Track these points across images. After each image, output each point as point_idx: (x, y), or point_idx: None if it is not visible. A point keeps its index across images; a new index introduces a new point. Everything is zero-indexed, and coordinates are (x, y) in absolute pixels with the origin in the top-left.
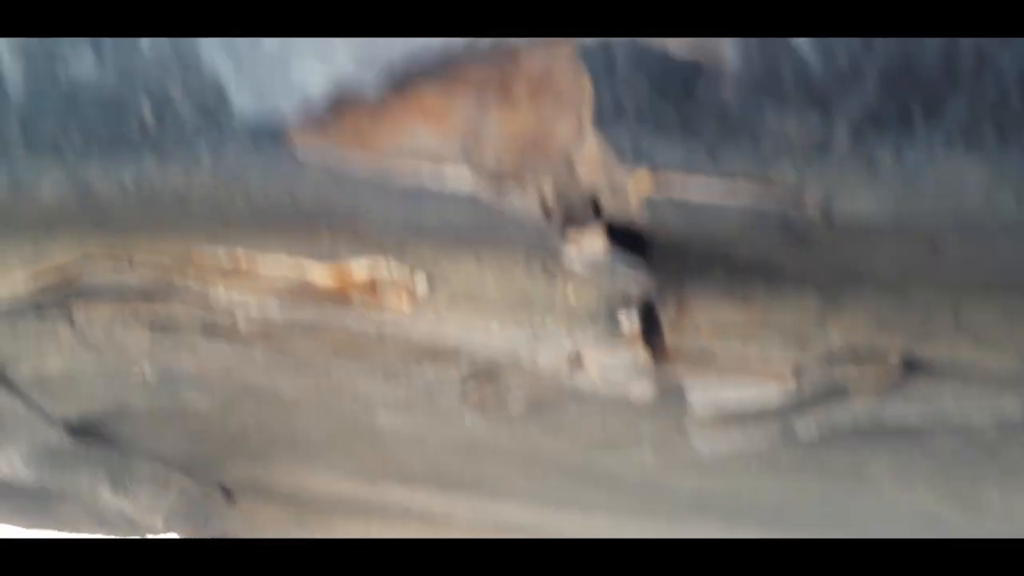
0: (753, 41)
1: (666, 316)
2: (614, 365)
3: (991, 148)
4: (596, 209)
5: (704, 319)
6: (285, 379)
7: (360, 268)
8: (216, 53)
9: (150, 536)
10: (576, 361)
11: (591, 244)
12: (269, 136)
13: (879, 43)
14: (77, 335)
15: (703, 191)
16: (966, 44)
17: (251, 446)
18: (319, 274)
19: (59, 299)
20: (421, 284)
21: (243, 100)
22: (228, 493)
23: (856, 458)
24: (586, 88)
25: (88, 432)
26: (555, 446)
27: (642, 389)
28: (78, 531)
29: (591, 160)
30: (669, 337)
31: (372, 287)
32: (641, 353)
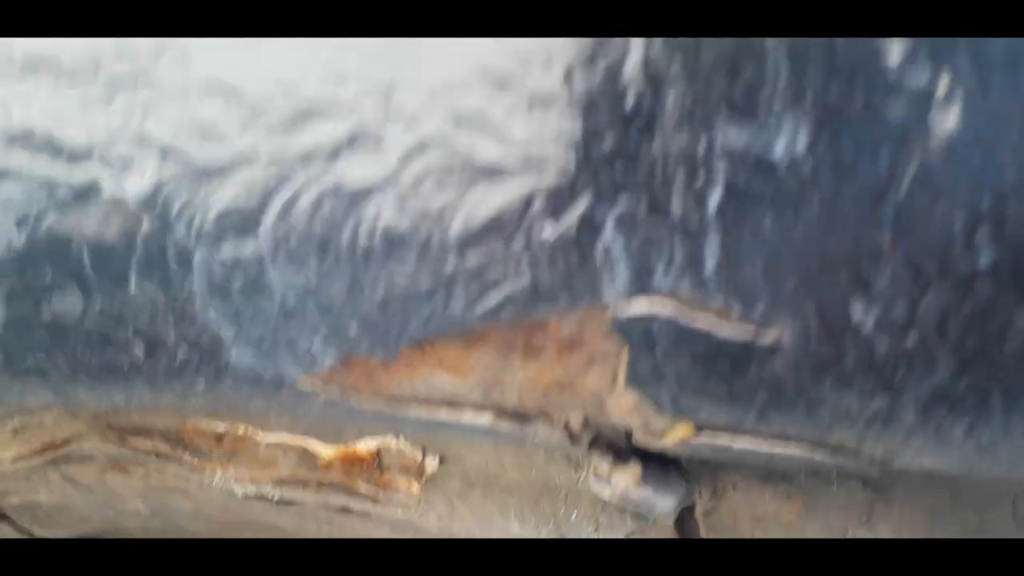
0: (812, 324)
1: (701, 506)
2: None
3: None
4: (627, 436)
5: (743, 510)
6: (285, 519)
7: (366, 448)
8: (213, 307)
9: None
10: None
11: (623, 481)
12: (270, 382)
13: (953, 328)
14: (67, 480)
15: (750, 448)
16: None
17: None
18: (323, 453)
19: (48, 461)
20: (432, 465)
21: (243, 355)
22: None
23: None
24: (622, 352)
25: None
26: None
27: None
28: None
29: (625, 408)
30: (705, 528)
31: (378, 469)
32: None
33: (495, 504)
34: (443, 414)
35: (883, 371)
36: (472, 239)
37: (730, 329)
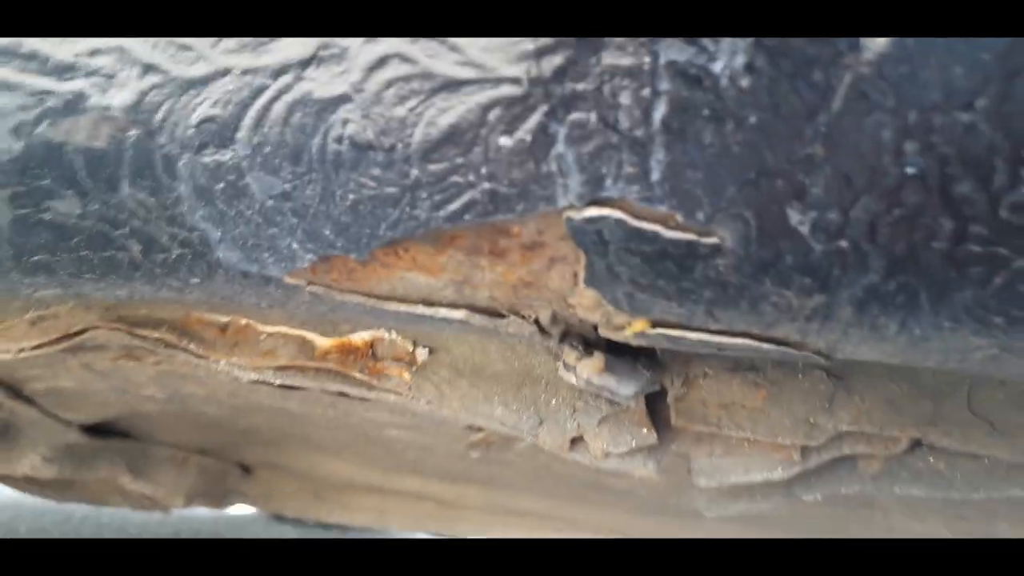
0: (752, 226)
1: (673, 392)
2: (617, 445)
3: (999, 330)
4: (595, 329)
5: (712, 397)
6: (292, 403)
7: (361, 340)
8: (200, 211)
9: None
10: (579, 440)
11: (586, 370)
12: (259, 276)
13: (882, 232)
14: (85, 367)
15: (702, 339)
16: (974, 235)
17: (264, 439)
18: (319, 343)
19: (66, 350)
20: (422, 356)
21: (230, 254)
22: (246, 470)
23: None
24: (579, 255)
25: (103, 430)
26: (563, 468)
27: (646, 468)
28: (106, 505)
29: (587, 305)
30: (675, 413)
31: (373, 358)
32: (645, 434)
33: (480, 391)
34: (420, 310)
35: (819, 271)
36: (433, 148)
37: (675, 233)
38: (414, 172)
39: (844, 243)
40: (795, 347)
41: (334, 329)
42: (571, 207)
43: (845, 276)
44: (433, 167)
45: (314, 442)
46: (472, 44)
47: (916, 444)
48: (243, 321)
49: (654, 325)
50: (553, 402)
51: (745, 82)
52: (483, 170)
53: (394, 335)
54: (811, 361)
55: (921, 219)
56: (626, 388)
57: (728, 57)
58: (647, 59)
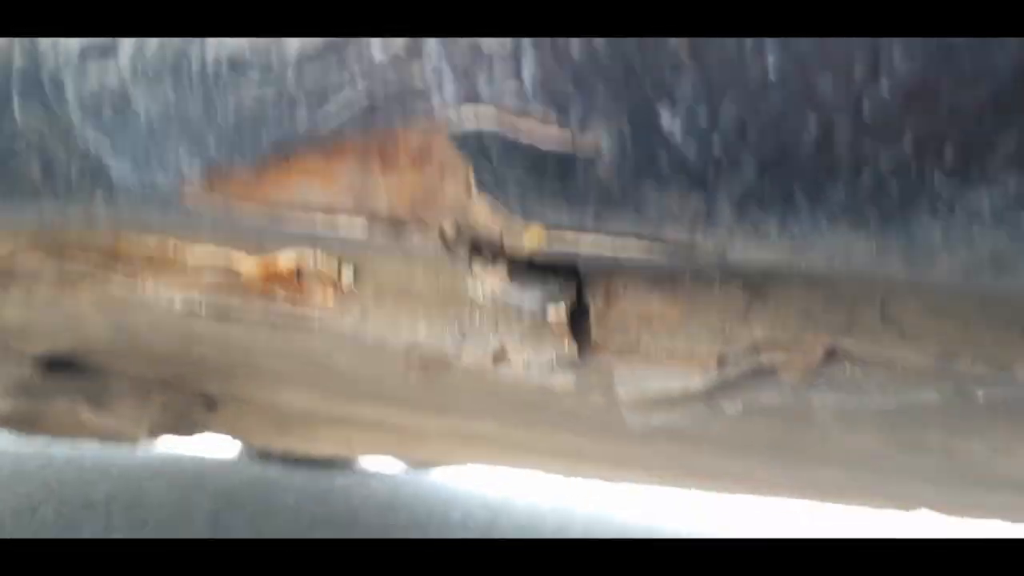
0: (625, 131)
1: (594, 307)
2: (539, 360)
3: (874, 227)
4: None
5: (632, 310)
6: (234, 331)
7: (287, 260)
8: (89, 127)
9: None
10: (501, 356)
11: (489, 282)
12: (156, 197)
13: (752, 133)
14: (25, 297)
15: (596, 245)
16: (841, 133)
17: (220, 370)
18: (246, 265)
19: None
20: (348, 276)
21: (123, 169)
22: (210, 402)
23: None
24: (468, 162)
25: (59, 364)
26: (509, 390)
27: (566, 381)
28: (70, 437)
29: (484, 215)
30: (596, 328)
31: (298, 279)
32: (566, 347)
33: (405, 310)
34: (320, 219)
35: (695, 173)
36: (309, 58)
37: (550, 137)
38: (291, 82)
39: (716, 145)
40: (686, 250)
41: (259, 248)
42: (450, 116)
43: (720, 178)
44: (310, 78)
45: (269, 372)
46: None
47: (832, 353)
48: (171, 242)
49: (549, 231)
50: (477, 319)
51: None
52: (359, 80)
53: (319, 255)
54: (706, 264)
55: (787, 120)
56: (532, 299)
57: None
58: None
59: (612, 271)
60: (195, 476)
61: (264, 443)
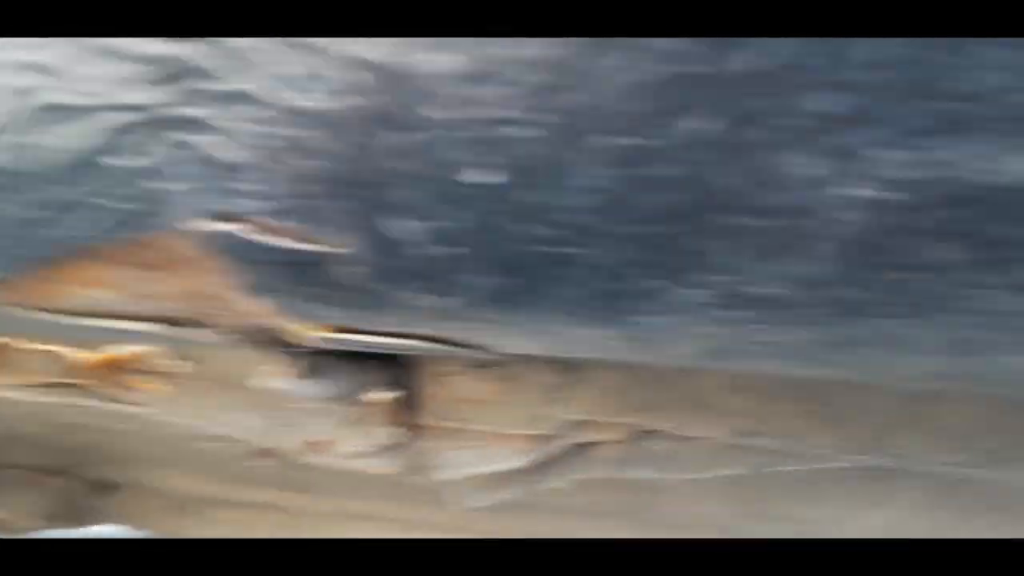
0: (366, 233)
1: (423, 390)
2: (362, 445)
3: (605, 324)
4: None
5: (458, 392)
6: (88, 419)
7: (116, 353)
8: None
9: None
10: (322, 444)
11: (279, 377)
12: None
13: (467, 238)
14: None
15: (377, 342)
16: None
17: (112, 456)
18: (75, 358)
19: None
20: (179, 367)
21: None
22: (108, 488)
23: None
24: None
25: None
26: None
27: (387, 466)
28: None
29: (263, 313)
30: (424, 410)
31: (130, 372)
32: (392, 432)
33: (229, 400)
34: (107, 324)
35: (434, 275)
36: (61, 174)
37: (304, 243)
38: (50, 195)
39: (444, 248)
40: (462, 345)
41: (85, 343)
42: (202, 225)
43: (459, 278)
44: (64, 192)
45: (155, 458)
46: (76, 69)
47: (647, 430)
48: (3, 339)
49: (331, 330)
50: (296, 407)
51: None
52: (105, 192)
53: (152, 347)
54: (481, 357)
55: (494, 222)
56: (326, 390)
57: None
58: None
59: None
60: None
61: (164, 529)
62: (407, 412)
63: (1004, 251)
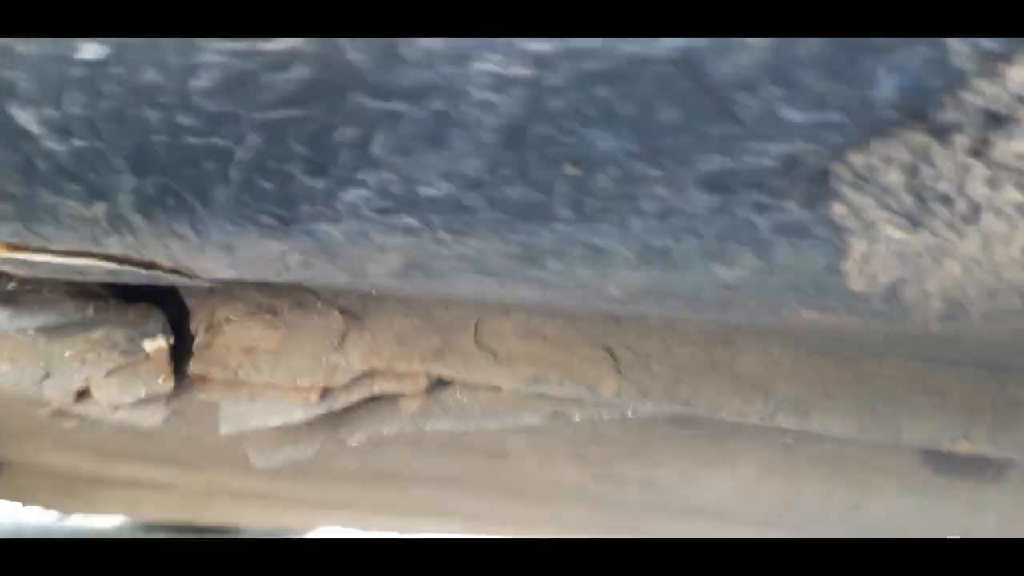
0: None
1: (197, 339)
2: (125, 396)
3: (272, 229)
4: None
5: (235, 342)
6: None
7: None
8: None
9: None
10: (85, 394)
11: None
12: None
13: (101, 126)
14: None
15: (50, 262)
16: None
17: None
18: None
19: None
20: None
21: None
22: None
23: (492, 436)
24: None
25: None
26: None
27: (154, 417)
28: None
29: None
30: (195, 360)
31: None
32: (160, 383)
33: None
34: None
35: (77, 175)
36: None
37: None
38: None
39: (79, 142)
40: (146, 267)
41: None
42: None
43: (103, 179)
44: None
45: (36, 434)
46: None
47: (442, 381)
48: None
49: (10, 248)
50: (66, 354)
51: None
52: None
53: None
54: (186, 283)
55: (129, 111)
56: (19, 322)
57: None
58: None
59: (215, 301)
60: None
61: (53, 507)
62: (178, 362)
63: (660, 138)
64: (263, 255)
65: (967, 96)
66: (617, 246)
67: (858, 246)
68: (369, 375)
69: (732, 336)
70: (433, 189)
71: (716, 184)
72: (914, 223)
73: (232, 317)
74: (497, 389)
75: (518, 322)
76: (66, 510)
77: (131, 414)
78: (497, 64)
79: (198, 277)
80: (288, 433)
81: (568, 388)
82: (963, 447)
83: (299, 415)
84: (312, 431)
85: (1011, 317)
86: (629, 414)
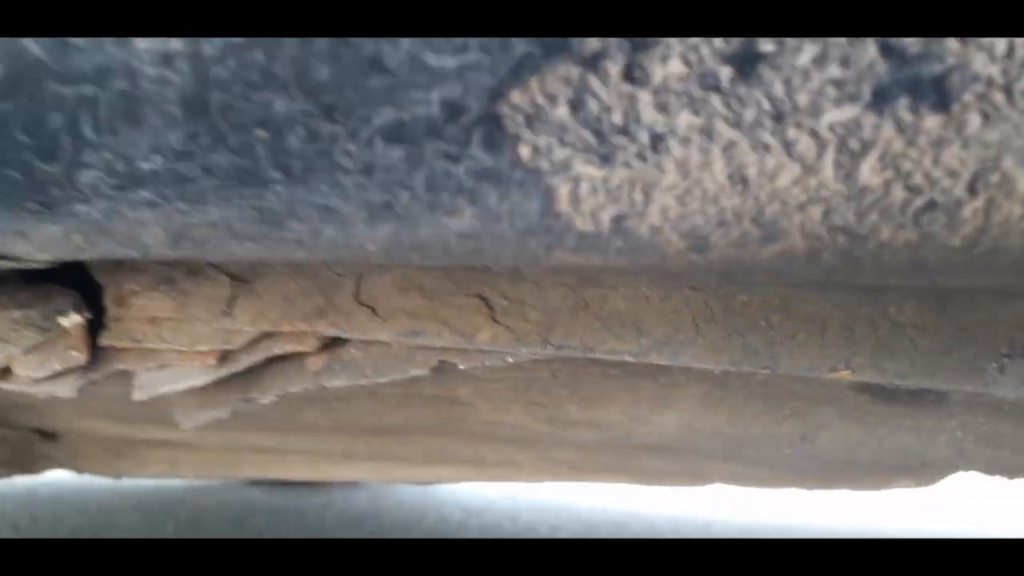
0: None
1: (109, 312)
2: (43, 371)
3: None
4: None
5: (141, 313)
6: None
7: None
8: None
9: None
10: (6, 371)
11: None
12: None
13: None
14: None
15: None
16: None
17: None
18: None
19: None
20: None
21: None
22: (49, 435)
23: (443, 386)
24: None
25: None
26: None
27: (70, 388)
28: None
29: None
30: (107, 333)
31: None
32: (74, 356)
33: None
34: None
35: None
36: None
37: None
38: None
39: None
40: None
41: None
42: None
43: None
44: None
45: (83, 407)
46: None
47: (337, 339)
48: None
49: None
50: None
51: None
52: None
53: None
54: (16, 267)
55: None
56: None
57: None
58: None
59: (122, 274)
60: (167, 504)
61: (102, 472)
62: (94, 335)
63: (326, 95)
64: (52, 237)
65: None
66: (342, 204)
67: (563, 187)
68: (269, 336)
69: (602, 276)
70: (150, 163)
71: (397, 136)
72: (604, 158)
73: (137, 288)
74: (383, 344)
75: (397, 276)
76: (117, 473)
77: (50, 387)
78: (155, 42)
79: (26, 260)
80: (201, 395)
81: (446, 339)
82: (844, 375)
83: (202, 379)
84: (225, 391)
85: (754, 246)
86: (509, 360)
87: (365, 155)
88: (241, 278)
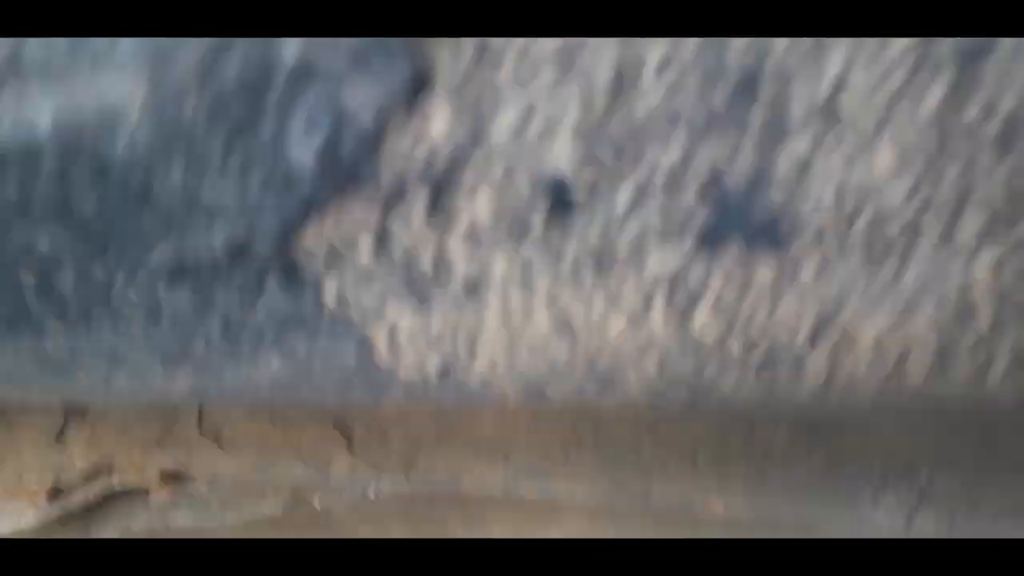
0: None
1: None
2: None
3: None
4: None
5: None
6: None
7: None
8: None
9: None
10: None
11: None
12: None
13: None
14: None
15: None
16: None
17: None
18: None
19: None
20: None
21: None
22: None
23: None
24: None
25: None
26: None
27: None
28: None
29: None
30: None
31: None
32: None
33: None
34: None
35: None
36: None
37: None
38: None
39: None
40: None
41: None
42: None
43: None
44: None
45: None
46: None
47: (178, 474)
48: None
49: None
50: None
51: None
52: None
53: None
54: None
55: None
56: None
57: None
58: None
59: None
60: None
61: None
62: None
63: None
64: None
65: (390, 155)
66: (131, 353)
67: (379, 335)
68: (107, 468)
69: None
70: None
71: (182, 279)
72: (419, 304)
73: None
74: (228, 476)
75: (245, 403)
76: None
77: None
78: None
79: None
80: (37, 533)
81: (300, 471)
82: (716, 508)
83: (30, 518)
84: (61, 530)
85: (595, 397)
86: (371, 495)
87: (147, 299)
88: (77, 404)
